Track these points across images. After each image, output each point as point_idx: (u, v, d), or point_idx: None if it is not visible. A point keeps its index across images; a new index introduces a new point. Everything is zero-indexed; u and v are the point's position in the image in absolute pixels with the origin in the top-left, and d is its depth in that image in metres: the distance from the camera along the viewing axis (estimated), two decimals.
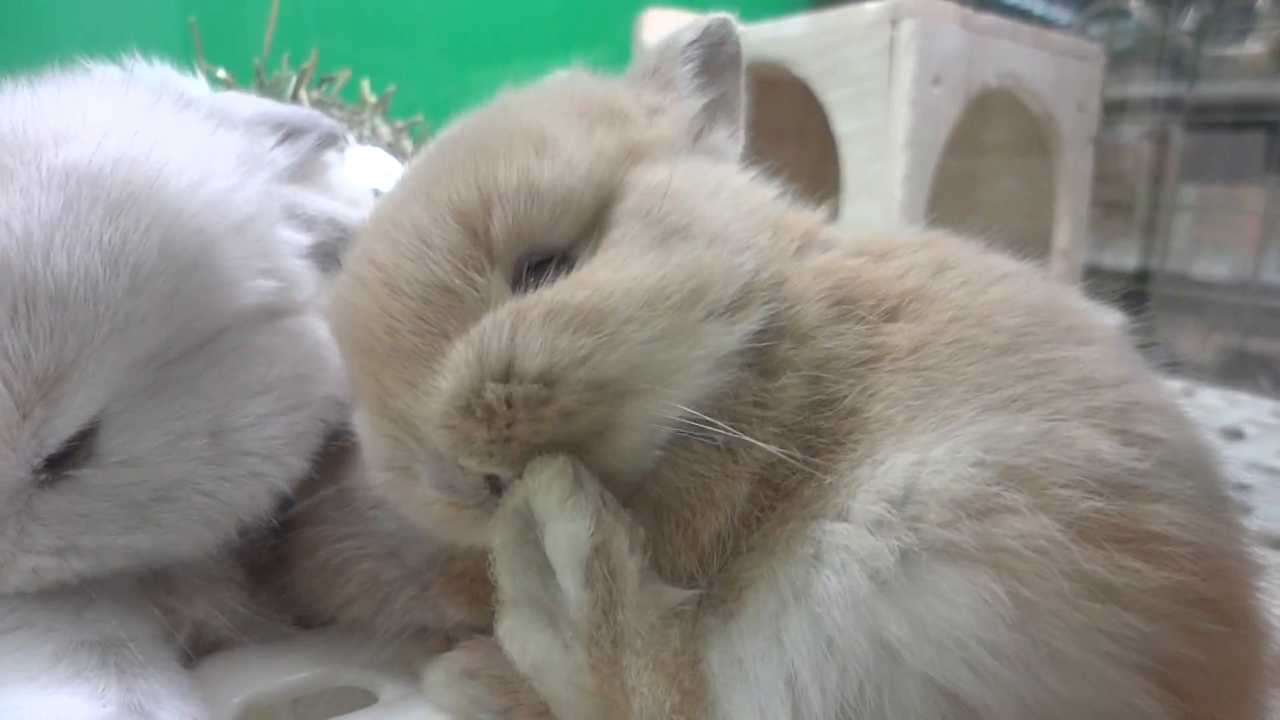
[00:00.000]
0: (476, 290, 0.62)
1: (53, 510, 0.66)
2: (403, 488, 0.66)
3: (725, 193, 0.70)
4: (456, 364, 0.59)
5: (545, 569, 0.61)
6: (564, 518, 0.58)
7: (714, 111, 0.80)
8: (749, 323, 0.63)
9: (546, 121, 0.68)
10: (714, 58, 0.80)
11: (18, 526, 0.65)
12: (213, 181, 0.73)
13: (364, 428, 0.68)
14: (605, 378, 0.59)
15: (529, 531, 0.61)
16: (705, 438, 0.62)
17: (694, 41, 0.79)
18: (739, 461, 0.62)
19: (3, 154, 0.65)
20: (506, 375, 0.59)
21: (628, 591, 0.59)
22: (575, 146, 0.66)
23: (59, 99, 0.73)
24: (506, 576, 0.62)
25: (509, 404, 0.58)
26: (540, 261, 0.64)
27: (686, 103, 0.78)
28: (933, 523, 0.54)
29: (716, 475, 0.62)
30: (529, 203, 0.63)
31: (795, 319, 0.65)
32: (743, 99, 0.82)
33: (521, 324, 0.59)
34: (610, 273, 0.61)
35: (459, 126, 0.75)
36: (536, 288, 0.62)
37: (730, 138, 0.80)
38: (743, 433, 0.61)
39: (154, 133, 0.72)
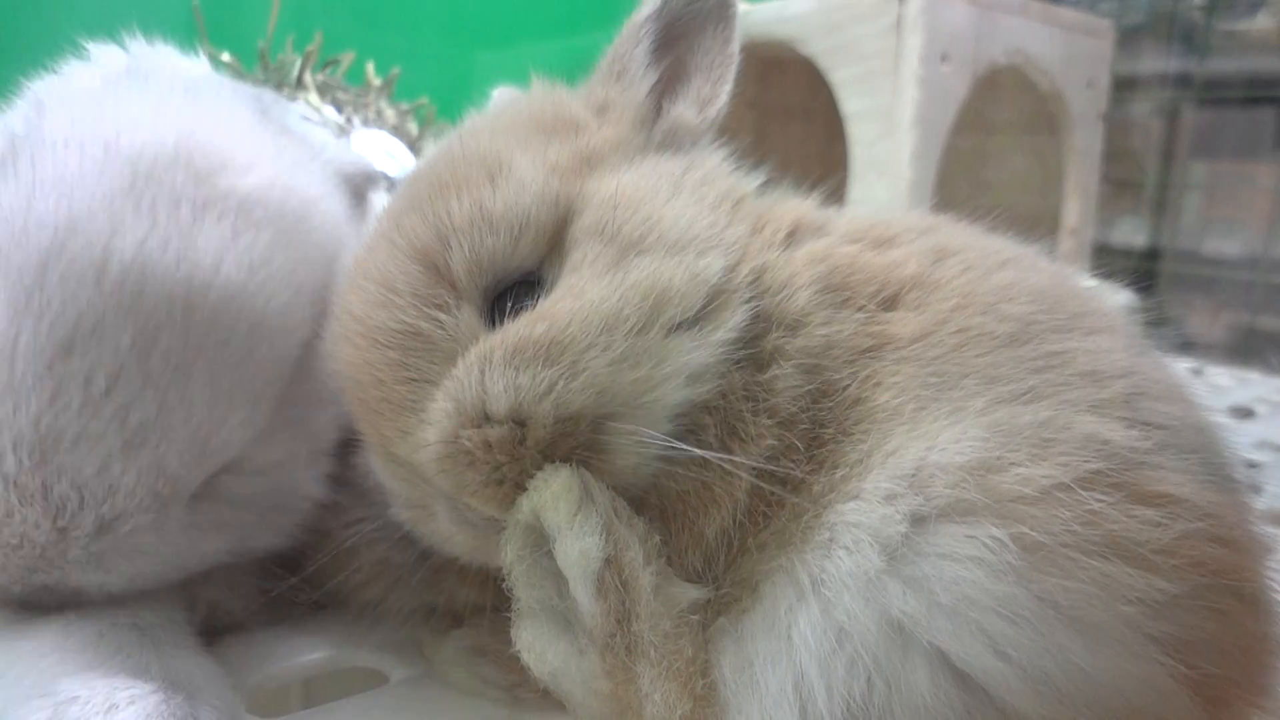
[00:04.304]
0: (444, 329, 0.62)
1: (206, 517, 0.69)
2: (424, 523, 0.68)
3: (687, 189, 0.69)
4: (438, 415, 0.60)
5: (560, 577, 0.61)
6: (573, 534, 0.58)
7: (673, 81, 0.77)
8: (724, 330, 0.63)
9: (501, 144, 0.68)
10: (681, 20, 0.76)
11: (179, 531, 0.68)
12: (326, 202, 0.78)
13: (377, 469, 0.69)
14: (572, 407, 0.59)
15: (542, 543, 0.61)
16: (698, 439, 0.61)
17: (652, 13, 0.76)
18: (735, 456, 0.61)
19: (179, 177, 0.66)
20: (481, 420, 0.59)
21: (641, 602, 0.59)
22: (528, 166, 0.66)
23: (206, 118, 0.73)
24: (522, 587, 0.62)
25: (486, 447, 0.59)
26: (513, 285, 0.64)
27: (635, 89, 0.76)
28: (940, 486, 0.54)
29: (714, 475, 0.62)
30: (484, 232, 0.63)
31: (782, 307, 0.65)
32: (727, 51, 0.77)
33: (488, 365, 0.60)
34: (570, 302, 0.61)
35: (424, 161, 0.75)
36: (512, 313, 0.63)
37: (697, 105, 0.76)
38: (736, 430, 0.61)
39: (288, 157, 0.77)
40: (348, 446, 0.80)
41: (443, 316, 0.62)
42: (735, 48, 0.77)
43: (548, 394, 0.59)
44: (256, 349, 0.66)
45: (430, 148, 0.79)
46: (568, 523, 0.58)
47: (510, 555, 0.61)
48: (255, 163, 0.71)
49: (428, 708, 0.72)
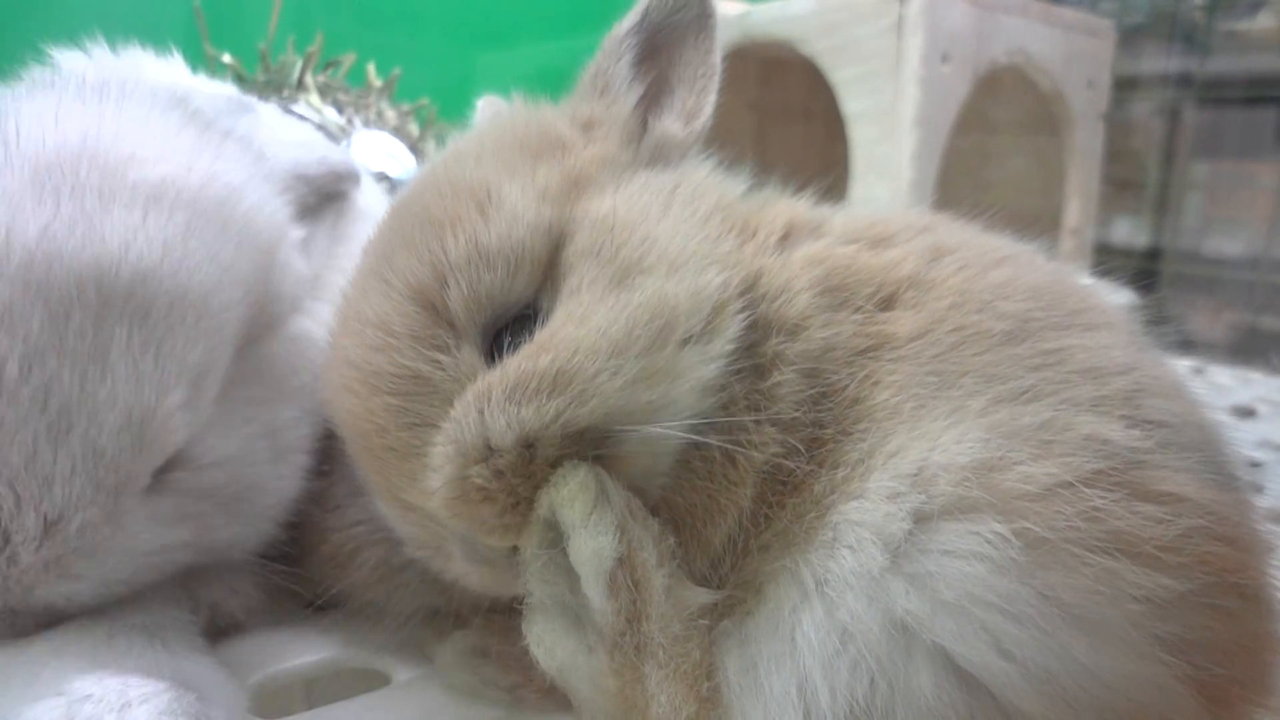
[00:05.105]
0: (445, 370, 0.62)
1: (165, 511, 0.68)
2: (441, 562, 0.68)
3: (677, 205, 0.69)
4: (439, 460, 0.60)
5: (573, 573, 0.61)
6: (588, 532, 0.58)
7: (657, 95, 0.77)
8: (724, 341, 0.62)
9: (489, 172, 0.68)
10: (662, 32, 0.76)
11: (140, 527, 0.66)
12: (254, 193, 0.76)
13: (386, 515, 0.69)
14: (579, 427, 0.59)
15: (558, 540, 0.60)
16: (702, 454, 0.62)
17: (632, 27, 0.75)
18: (740, 467, 0.62)
19: (84, 169, 0.64)
20: (486, 454, 0.59)
21: (652, 603, 0.59)
22: (519, 195, 0.66)
23: (111, 117, 0.71)
24: (536, 582, 0.62)
25: (499, 476, 0.59)
26: (512, 318, 0.64)
27: (619, 105, 0.75)
28: (943, 484, 0.54)
29: (720, 485, 0.62)
30: (481, 269, 0.62)
31: (781, 312, 0.64)
32: (709, 62, 0.76)
33: (487, 404, 0.59)
34: (573, 329, 0.60)
35: (408, 191, 0.74)
36: (511, 347, 0.62)
37: (683, 118, 0.76)
38: (739, 439, 0.61)
39: (210, 151, 0.75)
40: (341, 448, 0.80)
41: (442, 357, 0.62)
42: (717, 58, 0.77)
43: (554, 421, 0.58)
44: (180, 324, 0.65)
45: (421, 166, 0.77)
46: (582, 520, 0.58)
47: (527, 550, 0.61)
48: (165, 155, 0.70)
49: (430, 709, 0.72)
